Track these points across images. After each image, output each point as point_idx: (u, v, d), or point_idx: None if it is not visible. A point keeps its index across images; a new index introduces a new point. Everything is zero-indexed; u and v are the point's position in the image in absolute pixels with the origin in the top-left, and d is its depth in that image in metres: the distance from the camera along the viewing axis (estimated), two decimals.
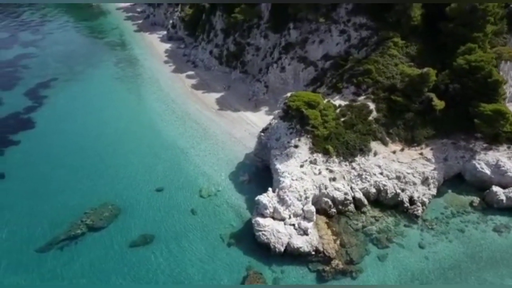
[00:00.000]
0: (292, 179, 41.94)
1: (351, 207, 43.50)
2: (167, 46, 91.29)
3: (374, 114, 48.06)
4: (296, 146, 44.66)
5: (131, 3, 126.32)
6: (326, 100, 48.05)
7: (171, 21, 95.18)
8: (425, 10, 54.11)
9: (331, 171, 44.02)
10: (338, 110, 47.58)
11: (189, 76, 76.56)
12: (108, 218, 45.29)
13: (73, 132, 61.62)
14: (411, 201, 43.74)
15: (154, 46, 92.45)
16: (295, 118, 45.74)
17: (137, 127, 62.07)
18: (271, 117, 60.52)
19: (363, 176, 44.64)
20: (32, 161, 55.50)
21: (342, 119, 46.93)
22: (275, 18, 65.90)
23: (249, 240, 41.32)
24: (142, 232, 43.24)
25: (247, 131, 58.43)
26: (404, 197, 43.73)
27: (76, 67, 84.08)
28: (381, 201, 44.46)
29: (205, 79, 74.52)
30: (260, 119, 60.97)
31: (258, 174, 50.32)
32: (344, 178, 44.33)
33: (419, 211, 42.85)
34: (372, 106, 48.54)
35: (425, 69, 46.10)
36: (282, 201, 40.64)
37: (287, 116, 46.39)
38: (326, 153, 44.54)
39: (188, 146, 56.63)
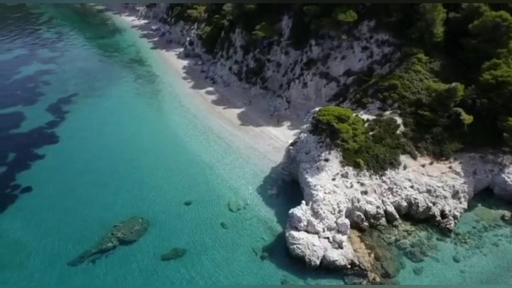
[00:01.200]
0: (325, 192, 42.14)
1: (383, 220, 43.55)
2: (185, 62, 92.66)
3: (402, 128, 48.51)
4: (326, 160, 44.99)
5: (146, 21, 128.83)
6: (354, 114, 48.56)
7: (188, 39, 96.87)
8: (447, 27, 55.21)
9: (362, 184, 44.22)
10: (366, 124, 48.06)
11: (208, 92, 77.54)
12: (139, 231, 45.43)
13: (97, 146, 62.23)
14: (443, 214, 43.76)
15: (171, 63, 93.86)
16: (325, 132, 46.23)
17: (161, 141, 62.64)
18: (294, 131, 61.46)
19: (394, 190, 44.80)
20: (58, 175, 55.96)
21: (371, 133, 47.39)
22: (296, 35, 67.18)
23: (282, 253, 41.31)
24: (173, 246, 43.30)
25: (271, 146, 58.89)
26: (436, 210, 43.76)
27: (96, 83, 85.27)
28: (412, 214, 44.50)
29: (225, 95, 75.45)
30: (283, 133, 61.57)
31: (286, 187, 50.58)
32: (375, 191, 44.48)
33: (452, 225, 42.81)
34: (399, 120, 49.05)
35: (453, 84, 46.78)
36: (316, 214, 40.73)
37: (317, 130, 46.90)
38: (356, 166, 44.82)
39: (213, 160, 57.02)
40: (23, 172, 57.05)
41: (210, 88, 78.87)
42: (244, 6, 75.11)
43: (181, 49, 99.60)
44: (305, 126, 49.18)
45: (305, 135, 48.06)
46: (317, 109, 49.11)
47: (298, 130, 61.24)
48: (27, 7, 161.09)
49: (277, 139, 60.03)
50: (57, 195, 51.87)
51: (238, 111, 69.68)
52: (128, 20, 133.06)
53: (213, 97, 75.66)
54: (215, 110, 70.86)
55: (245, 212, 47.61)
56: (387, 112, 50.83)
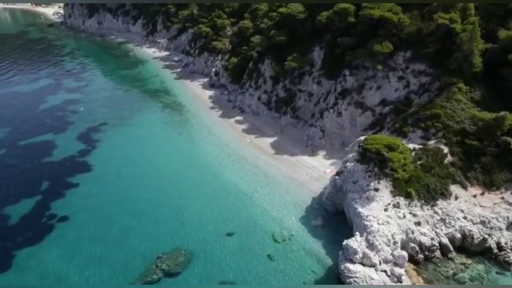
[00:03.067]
0: (379, 223, 40.95)
1: (438, 253, 42.08)
2: (210, 92, 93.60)
3: (449, 157, 47.82)
4: (376, 189, 44.08)
5: (167, 52, 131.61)
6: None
7: (213, 69, 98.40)
8: (484, 57, 55.61)
9: (414, 215, 43.06)
10: (413, 153, 47.41)
11: (238, 121, 77.71)
12: (183, 263, 44.09)
13: (130, 176, 61.58)
14: (499, 247, 42.26)
15: (197, 93, 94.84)
16: (373, 161, 45.59)
17: (195, 170, 62.04)
18: (331, 161, 60.99)
19: (447, 221, 43.56)
20: (93, 204, 55.09)
21: (419, 162, 46.65)
22: (328, 65, 67.93)
23: None
24: (220, 278, 41.91)
25: (309, 175, 58.10)
26: (492, 243, 42.32)
27: (124, 112, 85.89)
28: (466, 247, 42.98)
29: (254, 124, 75.50)
30: (320, 163, 60.93)
31: (330, 218, 49.42)
32: (428, 222, 43.24)
33: (511, 258, 41.20)
34: (445, 149, 48.41)
35: (502, 113, 46.46)
36: (371, 246, 39.40)
37: (364, 159, 46.27)
38: (408, 196, 43.84)
39: (251, 190, 56.16)
40: (58, 201, 56.32)
41: (239, 117, 79.10)
42: (274, 38, 76.56)
43: (205, 80, 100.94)
44: (351, 155, 48.54)
45: (352, 164, 47.36)
46: (362, 138, 48.69)
47: (334, 160, 61.00)
48: (49, 39, 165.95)
49: (314, 169, 59.31)
50: (95, 224, 50.85)
51: (270, 140, 69.44)
52: (149, 52, 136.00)
53: (243, 126, 75.72)
54: (246, 139, 70.66)
55: (291, 243, 46.26)
56: (432, 142, 50.30)
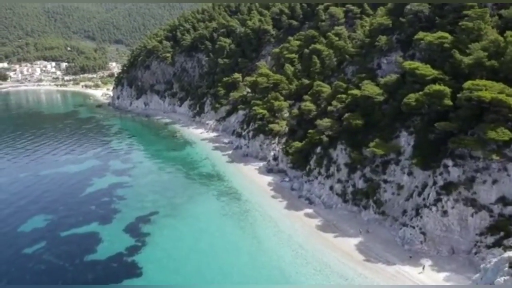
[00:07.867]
0: None
1: None
2: (269, 179, 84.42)
3: None
4: None
5: (215, 133, 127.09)
6: None
7: (272, 153, 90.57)
8: None
9: None
10: None
11: (308, 215, 66.74)
12: None
13: (192, 283, 50.36)
14: None
15: (253, 179, 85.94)
16: None
17: (269, 280, 50.15)
18: (442, 274, 48.45)
19: None
20: None
21: None
22: (422, 153, 57.92)
23: None
24: None
25: None
26: None
27: (175, 200, 77.27)
28: None
29: (329, 219, 64.20)
30: (428, 276, 47.84)
31: None
32: None
33: None
34: None
35: None
36: None
37: None
38: None
39: None
40: None
41: (309, 210, 68.24)
42: (349, 121, 68.69)
43: (261, 164, 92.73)
44: (501, 280, 35.78)
45: None
46: (511, 254, 36.33)
47: (447, 273, 48.23)
48: (97, 119, 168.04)
49: (424, 286, 46.23)
50: None
51: (354, 241, 57.42)
52: (196, 133, 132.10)
53: (316, 221, 64.45)
54: (324, 239, 58.91)
55: None
56: None
